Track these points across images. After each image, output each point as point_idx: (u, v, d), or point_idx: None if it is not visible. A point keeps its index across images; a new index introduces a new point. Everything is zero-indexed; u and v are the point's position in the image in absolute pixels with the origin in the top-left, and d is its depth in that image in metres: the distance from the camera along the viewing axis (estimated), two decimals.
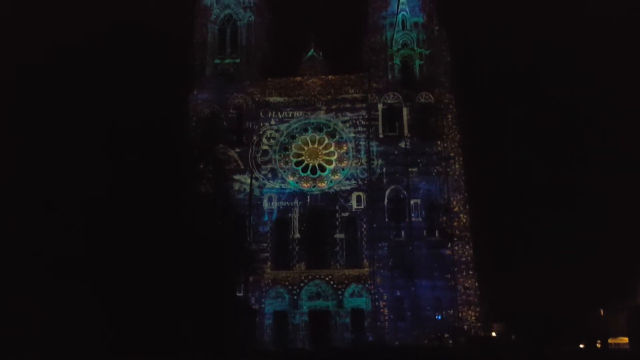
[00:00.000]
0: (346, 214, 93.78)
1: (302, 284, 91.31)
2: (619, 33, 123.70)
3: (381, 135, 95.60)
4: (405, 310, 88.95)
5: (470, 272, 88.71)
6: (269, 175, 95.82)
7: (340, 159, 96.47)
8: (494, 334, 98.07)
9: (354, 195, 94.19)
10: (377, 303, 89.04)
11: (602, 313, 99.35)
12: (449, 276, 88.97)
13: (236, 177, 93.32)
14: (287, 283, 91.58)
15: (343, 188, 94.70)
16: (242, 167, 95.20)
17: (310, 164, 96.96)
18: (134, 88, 52.05)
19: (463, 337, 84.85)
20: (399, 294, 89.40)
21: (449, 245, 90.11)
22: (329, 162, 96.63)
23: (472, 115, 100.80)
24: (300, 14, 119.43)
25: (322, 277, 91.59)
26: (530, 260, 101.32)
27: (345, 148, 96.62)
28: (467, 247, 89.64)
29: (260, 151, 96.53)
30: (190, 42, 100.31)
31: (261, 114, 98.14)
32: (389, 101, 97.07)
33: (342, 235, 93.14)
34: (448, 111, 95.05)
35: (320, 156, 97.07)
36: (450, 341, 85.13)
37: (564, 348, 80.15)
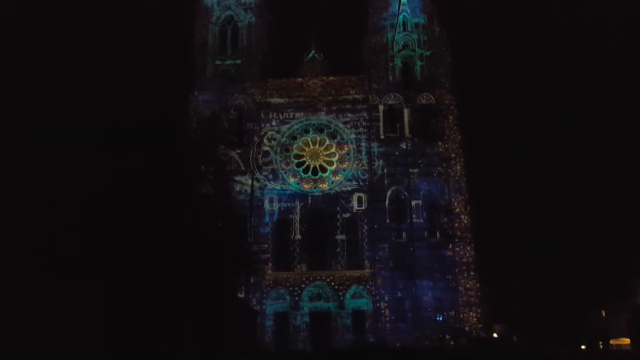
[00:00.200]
0: (347, 215, 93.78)
1: (303, 285, 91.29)
2: (619, 33, 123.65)
3: (382, 136, 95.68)
4: (406, 312, 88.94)
5: (472, 273, 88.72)
6: (270, 176, 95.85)
7: (341, 160, 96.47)
8: (495, 335, 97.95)
9: (355, 196, 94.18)
10: (378, 304, 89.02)
11: (603, 314, 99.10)
12: (450, 277, 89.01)
13: (237, 178, 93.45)
14: (288, 284, 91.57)
15: (344, 189, 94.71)
16: (243, 168, 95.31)
17: (311, 165, 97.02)
18: (134, 89, 51.98)
19: (464, 338, 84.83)
20: (400, 295, 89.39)
21: (450, 246, 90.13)
22: (330, 163, 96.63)
23: (473, 116, 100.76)
24: (300, 15, 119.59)
25: (323, 278, 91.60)
26: (531, 261, 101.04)
27: (346, 149, 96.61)
28: (468, 248, 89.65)
29: (261, 152, 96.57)
30: (191, 43, 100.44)
31: (262, 115, 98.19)
32: (390, 102, 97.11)
33: (343, 237, 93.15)
34: (449, 112, 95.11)
35: (321, 157, 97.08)
36: (452, 342, 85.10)
37: (565, 349, 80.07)
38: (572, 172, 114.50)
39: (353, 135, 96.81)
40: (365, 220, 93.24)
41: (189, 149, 58.94)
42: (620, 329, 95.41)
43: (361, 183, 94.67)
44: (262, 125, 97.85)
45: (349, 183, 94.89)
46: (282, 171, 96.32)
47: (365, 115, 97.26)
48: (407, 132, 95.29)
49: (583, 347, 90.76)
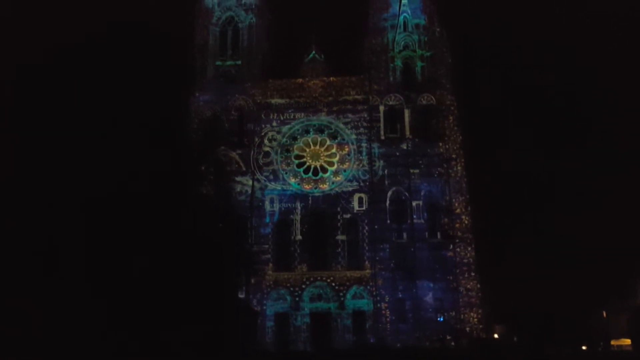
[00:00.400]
0: (348, 216, 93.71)
1: (303, 286, 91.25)
2: (619, 33, 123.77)
3: (383, 137, 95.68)
4: (407, 312, 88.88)
5: (472, 274, 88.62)
6: (271, 177, 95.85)
7: (341, 161, 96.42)
8: (495, 335, 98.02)
9: (356, 196, 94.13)
10: (378, 305, 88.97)
11: (604, 314, 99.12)
12: (451, 278, 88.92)
13: (238, 178, 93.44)
14: (288, 285, 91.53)
15: (344, 189, 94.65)
16: (244, 168, 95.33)
17: (312, 166, 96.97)
18: (134, 89, 51.97)
19: (465, 338, 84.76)
20: (400, 295, 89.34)
21: (451, 246, 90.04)
22: (331, 164, 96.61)
23: (474, 116, 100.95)
24: (301, 15, 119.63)
25: (324, 278, 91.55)
26: (532, 262, 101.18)
27: (346, 149, 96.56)
28: (469, 248, 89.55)
29: (262, 153, 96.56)
30: (192, 44, 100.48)
31: (262, 115, 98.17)
32: (391, 103, 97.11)
33: (343, 237, 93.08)
34: (449, 113, 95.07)
35: (321, 158, 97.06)
36: (452, 343, 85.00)
37: (565, 349, 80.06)
38: (572, 172, 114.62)
39: (354, 136, 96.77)
40: (366, 221, 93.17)
41: (189, 149, 58.93)
42: (621, 330, 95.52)
43: (362, 183, 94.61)
44: (263, 125, 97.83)
45: (349, 183, 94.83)
46: (282, 172, 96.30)
47: (365, 115, 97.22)
48: (407, 132, 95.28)
49: (584, 347, 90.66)
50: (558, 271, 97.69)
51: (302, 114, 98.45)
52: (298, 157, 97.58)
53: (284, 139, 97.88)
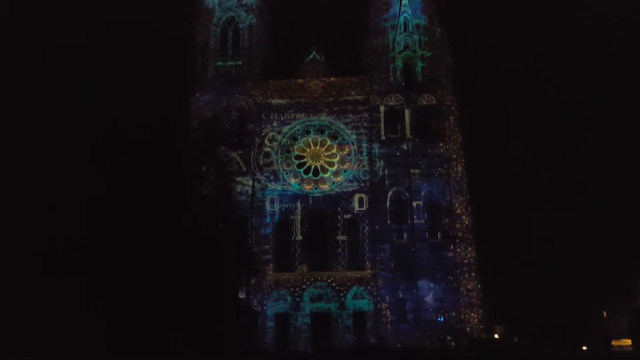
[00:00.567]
0: (348, 216, 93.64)
1: (304, 286, 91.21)
2: (619, 33, 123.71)
3: (383, 137, 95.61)
4: (407, 313, 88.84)
5: (473, 274, 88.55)
6: (271, 177, 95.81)
7: (342, 161, 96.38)
8: (496, 336, 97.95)
9: (356, 197, 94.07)
10: (379, 305, 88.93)
11: (604, 315, 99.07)
12: (451, 278, 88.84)
13: (238, 179, 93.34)
14: (289, 285, 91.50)
15: (345, 190, 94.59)
16: (244, 169, 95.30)
17: (312, 166, 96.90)
18: (135, 89, 52.05)
19: (465, 339, 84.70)
20: (401, 296, 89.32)
21: (451, 247, 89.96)
22: (331, 164, 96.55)
23: (474, 116, 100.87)
24: (301, 16, 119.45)
25: (324, 279, 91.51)
26: (532, 262, 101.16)
27: (347, 150, 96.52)
28: (470, 248, 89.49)
29: (262, 153, 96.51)
30: (192, 44, 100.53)
31: (263, 116, 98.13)
32: (391, 103, 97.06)
33: (344, 237, 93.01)
34: (450, 113, 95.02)
35: (322, 158, 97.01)
36: (453, 343, 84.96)
37: (565, 350, 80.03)
38: (573, 172, 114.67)
39: (354, 136, 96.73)
40: (366, 221, 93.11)
41: (189, 150, 58.90)
42: (621, 330, 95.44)
43: (362, 184, 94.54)
44: (263, 126, 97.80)
45: (349, 184, 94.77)
46: (283, 172, 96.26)
47: (366, 116, 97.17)
48: (408, 133, 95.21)
49: (584, 347, 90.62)
50: (558, 271, 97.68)
51: (303, 115, 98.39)
52: (298, 157, 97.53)
53: (285, 140, 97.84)
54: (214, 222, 59.39)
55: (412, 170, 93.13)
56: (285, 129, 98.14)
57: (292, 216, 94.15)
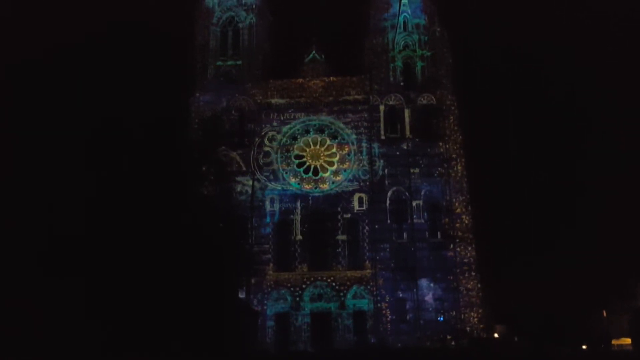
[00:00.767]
0: (348, 216, 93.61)
1: (304, 286, 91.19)
2: (619, 33, 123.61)
3: (383, 137, 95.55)
4: (408, 312, 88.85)
5: (473, 274, 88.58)
6: (271, 177, 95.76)
7: (342, 161, 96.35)
8: (496, 335, 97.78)
9: (356, 196, 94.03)
10: (379, 305, 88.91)
11: (604, 314, 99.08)
12: (451, 278, 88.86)
13: (238, 179, 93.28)
14: (289, 285, 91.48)
15: (345, 189, 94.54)
16: (244, 168, 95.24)
17: (312, 166, 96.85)
18: (135, 89, 52.08)
19: (465, 338, 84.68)
20: (401, 295, 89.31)
21: (451, 246, 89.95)
22: (331, 164, 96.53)
23: (474, 116, 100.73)
24: (301, 15, 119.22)
25: (324, 278, 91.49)
26: (532, 262, 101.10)
27: (347, 149, 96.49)
28: (469, 248, 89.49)
29: (262, 153, 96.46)
30: (192, 44, 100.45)
31: (263, 115, 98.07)
32: (391, 103, 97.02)
33: (344, 237, 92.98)
34: (450, 112, 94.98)
35: (322, 157, 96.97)
36: (453, 343, 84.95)
37: (565, 349, 80.00)
38: (573, 172, 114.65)
39: (354, 136, 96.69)
40: (366, 221, 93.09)
41: (189, 149, 59.08)
42: (621, 330, 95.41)
43: (362, 183, 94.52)
44: (263, 125, 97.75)
45: (349, 183, 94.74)
46: (282, 172, 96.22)
47: (366, 115, 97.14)
48: (407, 132, 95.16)
49: (584, 347, 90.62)
50: (558, 271, 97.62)
51: (303, 114, 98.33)
52: (298, 157, 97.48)
53: (285, 139, 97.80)
54: (214, 221, 59.52)
55: (412, 170, 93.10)
56: (285, 128, 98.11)
57: (292, 216, 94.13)
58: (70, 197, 44.46)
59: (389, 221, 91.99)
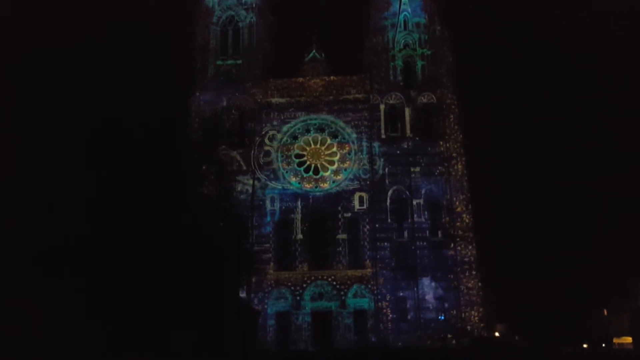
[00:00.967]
0: (348, 215, 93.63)
1: (304, 285, 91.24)
2: (619, 33, 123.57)
3: (383, 136, 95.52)
4: (408, 311, 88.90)
5: (473, 273, 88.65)
6: (271, 176, 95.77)
7: (342, 160, 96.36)
8: (497, 334, 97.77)
9: (356, 195, 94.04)
10: (379, 304, 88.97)
11: (605, 313, 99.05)
12: (452, 277, 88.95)
13: (238, 178, 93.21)
14: (289, 284, 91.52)
15: (345, 188, 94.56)
16: (245, 168, 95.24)
17: (313, 165, 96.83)
18: (135, 89, 52.09)
19: (466, 337, 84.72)
20: (401, 294, 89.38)
21: (452, 245, 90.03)
22: (331, 163, 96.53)
23: (474, 115, 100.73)
24: (301, 15, 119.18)
25: (325, 277, 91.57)
26: (533, 260, 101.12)
27: (347, 148, 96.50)
28: (470, 247, 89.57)
29: (263, 152, 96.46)
30: (192, 44, 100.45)
31: (263, 114, 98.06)
32: (391, 102, 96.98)
33: (344, 236, 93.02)
34: (450, 111, 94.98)
35: (322, 157, 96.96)
36: (453, 342, 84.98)
37: (566, 348, 79.98)
38: (573, 171, 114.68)
39: (354, 135, 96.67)
40: (367, 220, 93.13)
41: (190, 149, 59.03)
42: (622, 329, 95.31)
43: (362, 182, 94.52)
44: (263, 125, 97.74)
45: (350, 182, 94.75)
46: (283, 171, 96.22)
47: (366, 114, 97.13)
48: (408, 131, 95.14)
49: (585, 346, 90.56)
50: (559, 270, 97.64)
51: (303, 113, 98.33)
52: (298, 156, 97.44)
53: (285, 138, 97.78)
54: (214, 221, 59.51)
55: (412, 169, 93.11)
56: (285, 127, 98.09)
57: (292, 215, 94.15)
58: (70, 197, 44.43)
59: (389, 220, 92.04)
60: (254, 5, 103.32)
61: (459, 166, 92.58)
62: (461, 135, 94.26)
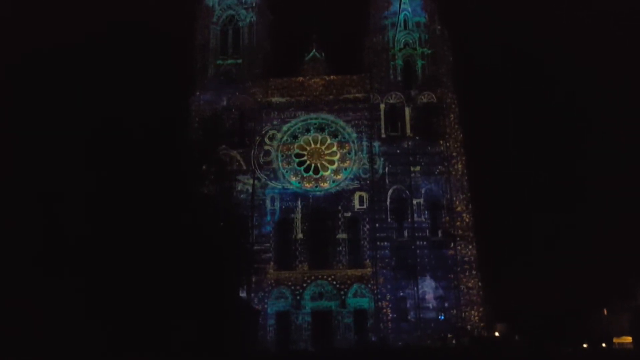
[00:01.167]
0: (348, 214, 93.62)
1: (304, 285, 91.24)
2: (619, 33, 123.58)
3: (383, 135, 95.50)
4: (408, 311, 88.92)
5: (473, 272, 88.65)
6: (271, 176, 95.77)
7: (342, 159, 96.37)
8: (497, 334, 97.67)
9: (357, 195, 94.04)
10: (379, 303, 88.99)
11: (605, 313, 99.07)
12: (452, 276, 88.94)
13: (238, 177, 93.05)
14: (289, 283, 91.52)
15: (345, 188, 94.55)
16: (245, 167, 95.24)
17: (313, 164, 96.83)
18: (135, 89, 52.09)
19: (466, 337, 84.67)
20: (401, 294, 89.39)
21: (452, 245, 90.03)
22: (331, 162, 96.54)
23: (474, 114, 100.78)
24: (301, 14, 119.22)
25: (325, 277, 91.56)
26: (533, 260, 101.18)
27: (347, 148, 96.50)
28: (470, 246, 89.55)
29: (263, 151, 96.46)
30: (192, 43, 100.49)
31: (263, 114, 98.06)
32: (391, 101, 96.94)
33: (344, 236, 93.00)
34: (450, 111, 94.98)
35: (322, 156, 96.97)
36: (454, 341, 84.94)
37: (566, 348, 79.98)
38: (573, 171, 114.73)
39: (354, 134, 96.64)
40: (367, 219, 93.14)
41: (190, 149, 59.02)
42: (622, 329, 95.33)
43: (362, 182, 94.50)
44: (264, 124, 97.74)
45: (350, 182, 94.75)
46: (283, 170, 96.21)
47: (366, 114, 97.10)
48: (408, 130, 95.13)
49: (585, 346, 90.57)
50: (560, 270, 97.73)
51: (303, 113, 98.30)
52: (299, 155, 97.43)
53: (285, 138, 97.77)
54: (214, 221, 59.53)
55: (412, 168, 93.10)
56: (285, 127, 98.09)
57: (292, 214, 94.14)
58: (70, 196, 44.44)
59: (389, 220, 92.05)
60: (254, 4, 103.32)
61: (459, 166, 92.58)
62: (461, 135, 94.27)
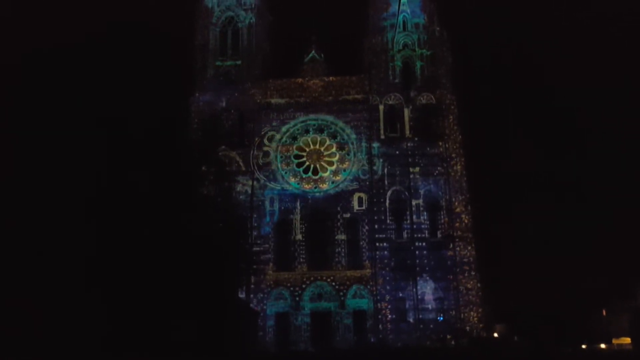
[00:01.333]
0: (348, 215, 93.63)
1: (304, 286, 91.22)
2: (619, 33, 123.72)
3: (382, 136, 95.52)
4: (407, 312, 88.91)
5: (472, 273, 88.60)
6: (271, 177, 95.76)
7: (341, 160, 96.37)
8: (496, 334, 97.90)
9: (356, 196, 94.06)
10: (379, 304, 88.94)
11: (604, 314, 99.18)
12: (451, 277, 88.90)
13: (238, 178, 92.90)
14: (289, 284, 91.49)
15: (344, 189, 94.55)
16: (244, 168, 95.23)
17: (312, 165, 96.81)
18: (135, 90, 52.04)
19: (465, 338, 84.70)
20: (400, 295, 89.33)
21: (451, 245, 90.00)
22: (331, 163, 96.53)
23: (473, 115, 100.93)
24: (301, 15, 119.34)
25: (324, 278, 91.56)
26: (532, 261, 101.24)
27: (346, 149, 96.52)
28: (469, 247, 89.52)
29: (262, 152, 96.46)
30: (192, 44, 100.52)
31: (262, 115, 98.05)
32: (390, 102, 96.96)
33: (343, 237, 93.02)
34: (449, 112, 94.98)
35: (321, 157, 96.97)
36: (453, 342, 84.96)
37: (565, 349, 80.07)
38: (573, 172, 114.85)
39: (353, 135, 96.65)
40: (366, 220, 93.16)
41: (189, 149, 59.03)
42: (621, 330, 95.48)
43: (361, 183, 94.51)
44: (263, 125, 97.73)
45: (349, 183, 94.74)
46: (282, 171, 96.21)
47: (365, 115, 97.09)
48: (407, 132, 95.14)
49: (584, 346, 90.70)
50: (559, 271, 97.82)
51: (302, 114, 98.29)
52: (298, 156, 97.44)
53: (284, 139, 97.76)
54: (213, 221, 59.46)
55: (411, 169, 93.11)
56: (284, 128, 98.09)
57: (291, 215, 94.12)
58: (69, 196, 44.40)
59: (388, 221, 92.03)
60: (253, 5, 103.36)
61: (458, 166, 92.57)
62: (460, 136, 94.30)
